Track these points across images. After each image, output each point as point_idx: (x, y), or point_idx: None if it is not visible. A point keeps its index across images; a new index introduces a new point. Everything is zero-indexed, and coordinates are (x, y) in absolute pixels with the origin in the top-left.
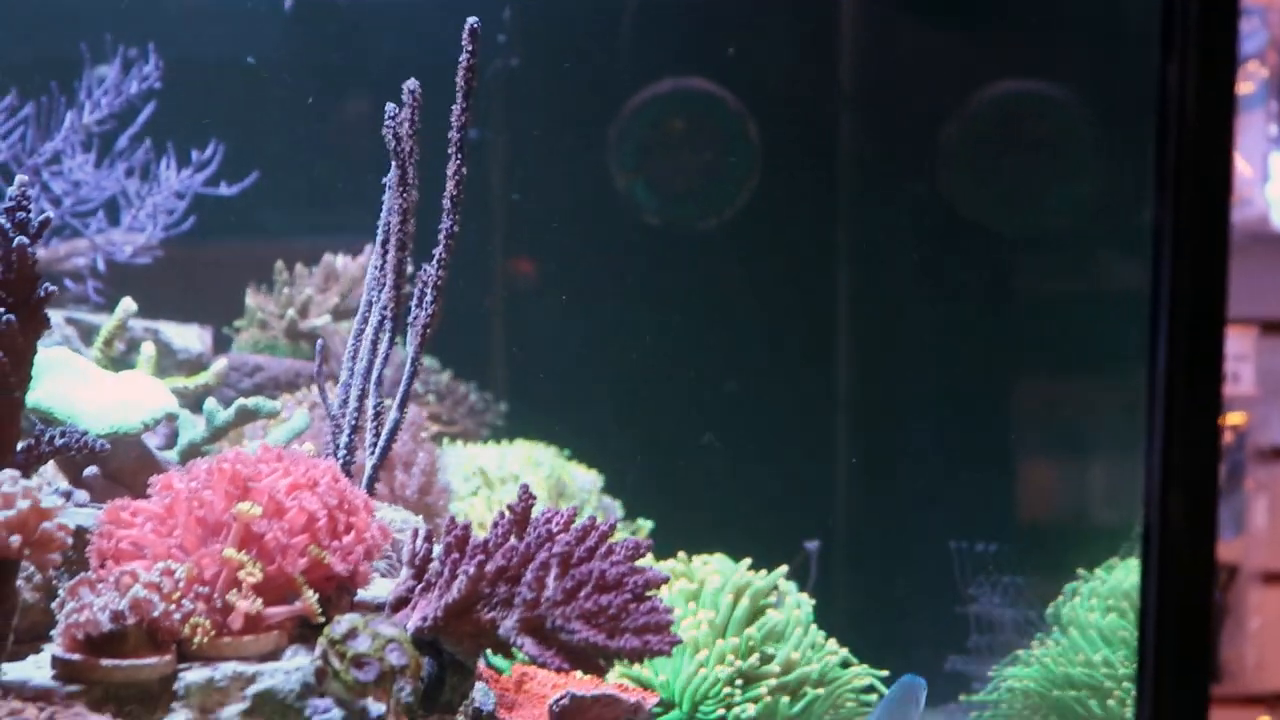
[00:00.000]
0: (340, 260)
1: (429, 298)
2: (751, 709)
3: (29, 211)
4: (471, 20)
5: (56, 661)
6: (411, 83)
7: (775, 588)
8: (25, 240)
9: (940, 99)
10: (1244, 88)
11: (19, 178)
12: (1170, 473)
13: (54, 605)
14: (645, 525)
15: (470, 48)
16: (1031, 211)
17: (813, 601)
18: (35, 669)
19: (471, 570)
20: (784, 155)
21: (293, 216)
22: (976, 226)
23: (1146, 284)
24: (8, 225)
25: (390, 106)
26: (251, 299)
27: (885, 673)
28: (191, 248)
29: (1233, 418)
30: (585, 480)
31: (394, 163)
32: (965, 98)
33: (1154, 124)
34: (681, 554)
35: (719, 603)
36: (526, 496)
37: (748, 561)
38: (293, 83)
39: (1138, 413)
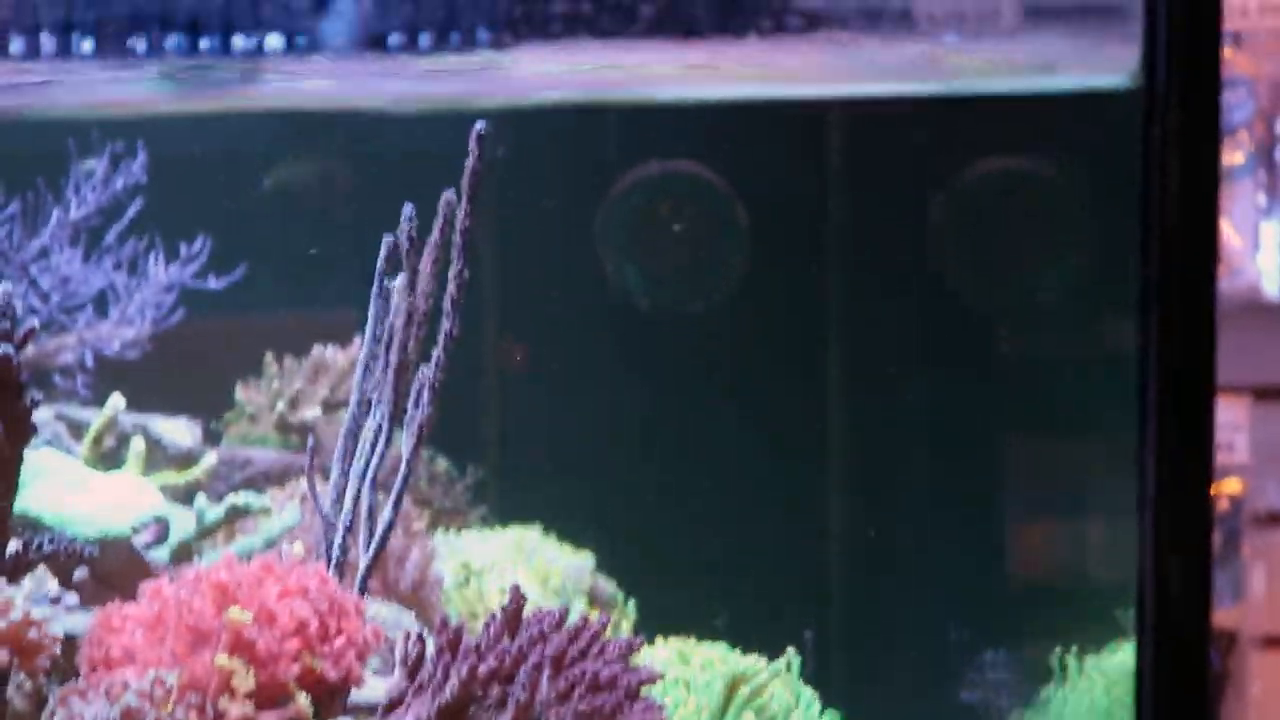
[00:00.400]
0: (329, 352)
1: (425, 398)
2: None
3: (13, 319)
4: (479, 125)
5: None
6: (449, 193)
7: (774, 677)
8: (10, 349)
9: (929, 178)
10: (1233, 158)
11: (2, 287)
12: (1163, 542)
13: (44, 715)
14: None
15: (477, 151)
16: (1023, 285)
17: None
18: None
19: (464, 672)
20: (773, 237)
21: (280, 299)
22: (968, 303)
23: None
24: None
25: (408, 208)
26: (241, 392)
27: None
28: (180, 341)
29: (1228, 485)
30: (576, 564)
31: (407, 267)
32: (954, 177)
33: (1137, 193)
34: (674, 642)
35: (713, 689)
36: (518, 597)
37: (735, 653)
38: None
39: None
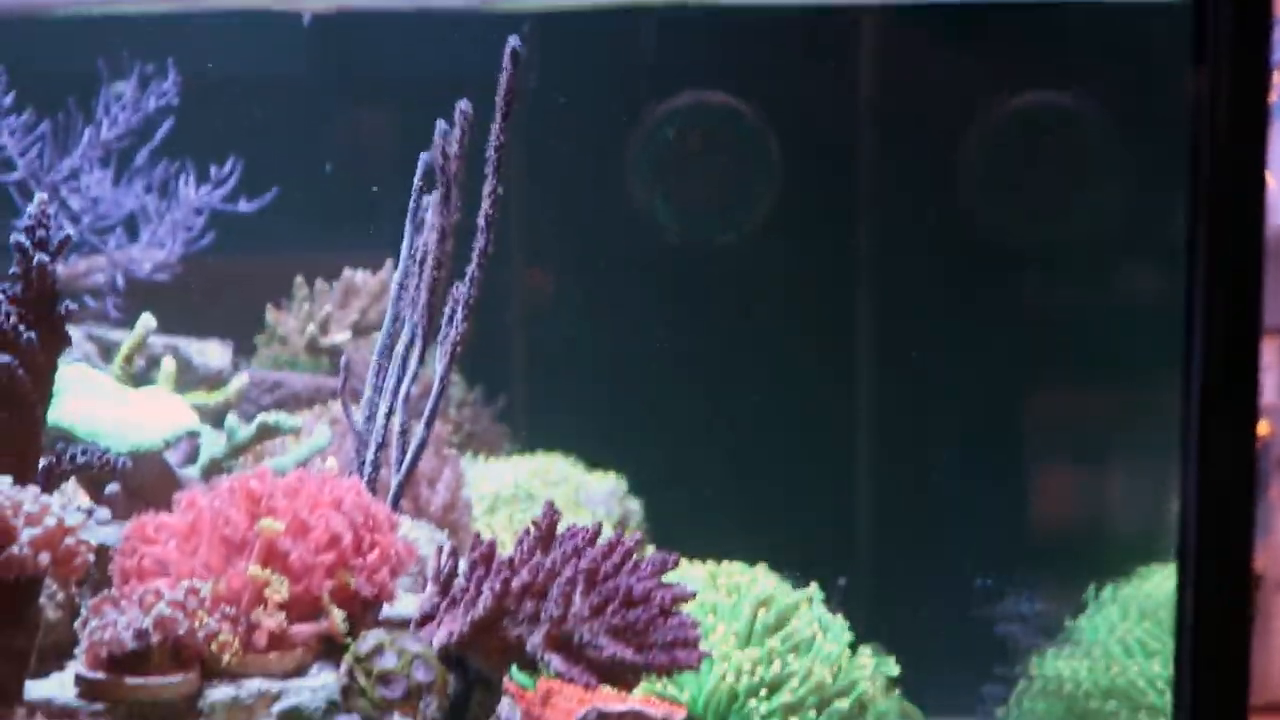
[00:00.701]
0: (360, 276)
1: (460, 316)
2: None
3: (49, 229)
4: (513, 41)
5: (80, 680)
6: (464, 103)
7: (803, 602)
8: (45, 258)
9: (962, 112)
10: (1270, 97)
11: (38, 195)
12: (1207, 484)
13: (77, 624)
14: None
15: (510, 69)
16: (1054, 225)
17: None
18: (59, 687)
19: (498, 586)
20: (804, 169)
21: (312, 232)
22: (999, 240)
23: (1169, 296)
24: (28, 243)
25: (441, 124)
26: (271, 315)
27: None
28: (211, 263)
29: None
30: (606, 488)
31: (439, 181)
32: (987, 111)
33: (1185, 135)
34: (710, 563)
35: (740, 613)
36: (551, 512)
37: (764, 572)
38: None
39: (1163, 425)
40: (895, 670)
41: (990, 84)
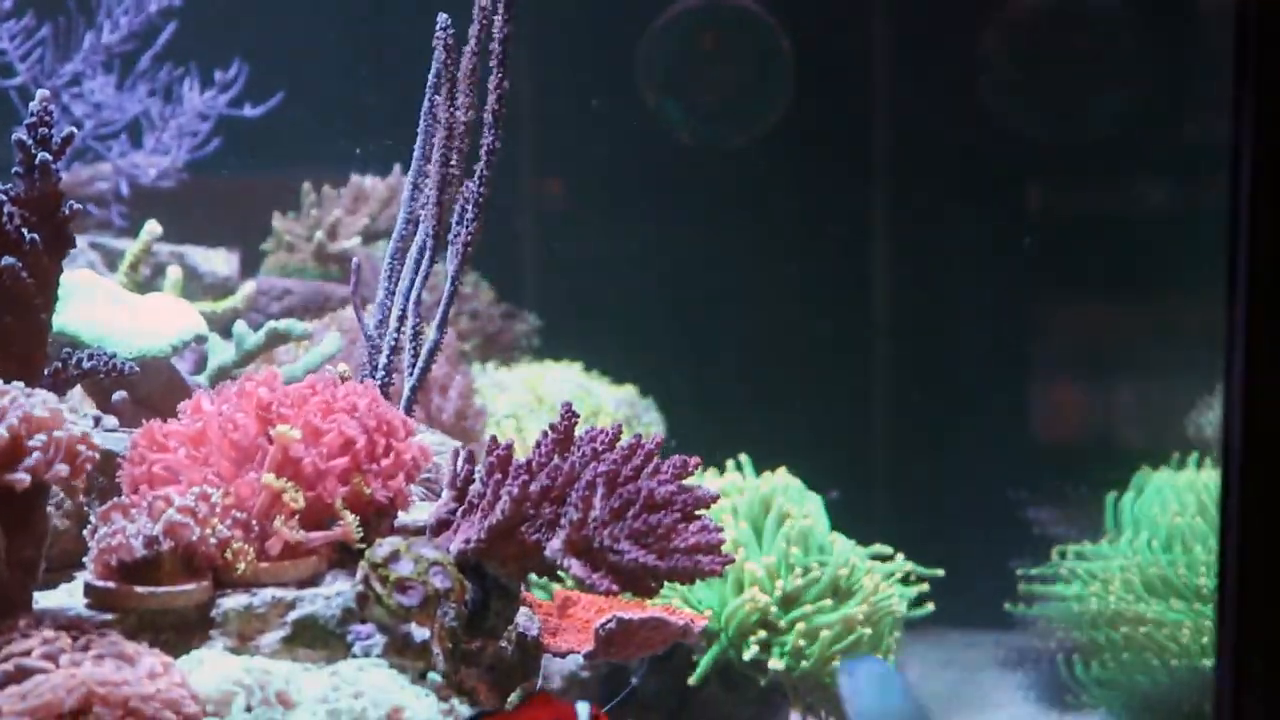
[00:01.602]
0: (369, 181)
1: (470, 215)
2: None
3: (51, 127)
4: None
5: (89, 589)
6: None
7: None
8: (48, 156)
9: (979, 7)
10: None
11: (40, 93)
12: (1255, 384)
13: (86, 532)
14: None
15: None
16: (1075, 123)
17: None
18: (68, 597)
19: (515, 490)
20: (819, 69)
21: (319, 140)
22: (1022, 142)
23: (1190, 200)
24: (30, 141)
25: (443, 17)
26: (279, 222)
27: (939, 571)
28: (217, 172)
29: None
30: (623, 395)
31: (444, 77)
32: (1004, 7)
33: (1232, 41)
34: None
35: (751, 511)
36: (569, 415)
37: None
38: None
39: (1182, 329)
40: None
41: None
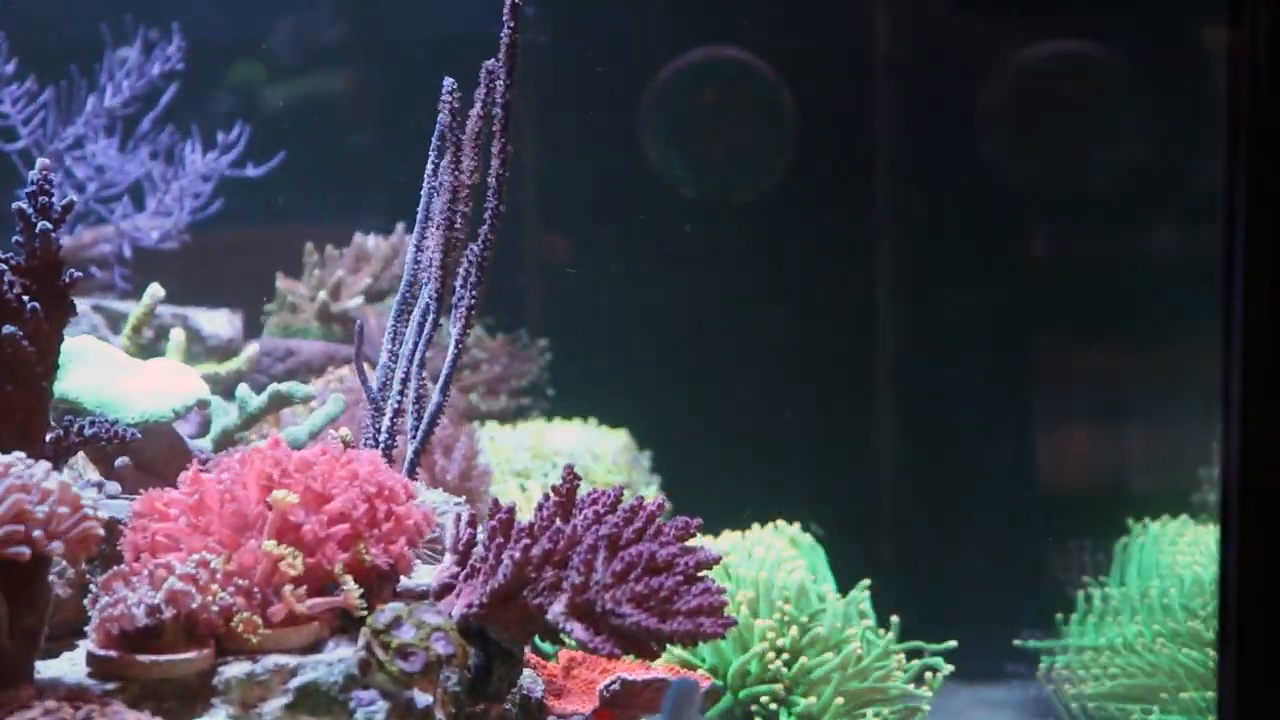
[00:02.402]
0: (371, 240)
1: (474, 279)
2: (802, 702)
3: (51, 195)
4: None
5: (92, 658)
6: (490, 63)
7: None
8: (48, 225)
9: (980, 63)
10: None
11: (40, 161)
12: (1251, 433)
13: (87, 601)
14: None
15: (512, 24)
16: (1075, 175)
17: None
18: (70, 666)
19: (517, 554)
20: (821, 124)
21: (319, 199)
22: (1023, 192)
23: (1191, 247)
24: (30, 210)
25: (449, 81)
26: (282, 282)
27: (953, 644)
28: (218, 232)
29: None
30: (622, 455)
31: (449, 140)
32: (1005, 60)
33: (1224, 87)
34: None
35: (757, 582)
36: (571, 477)
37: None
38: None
39: (1183, 378)
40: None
41: (1012, 33)
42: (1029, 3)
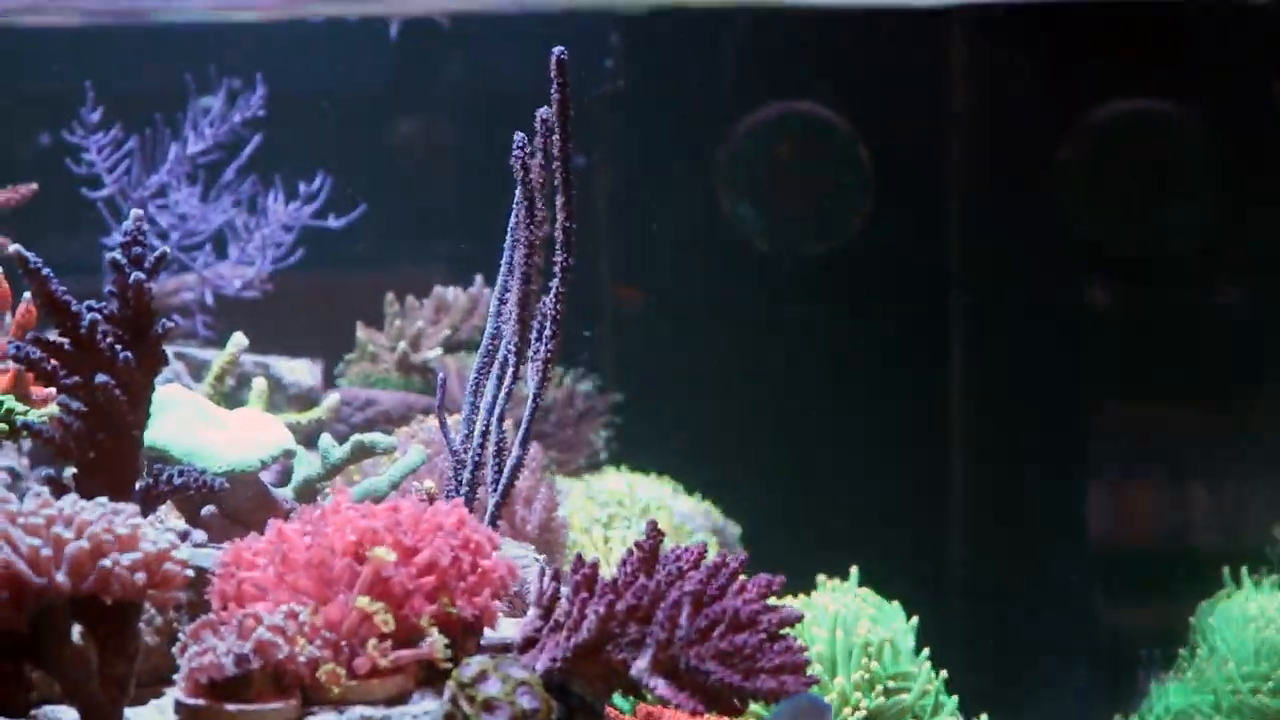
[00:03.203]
0: (451, 292)
1: (548, 331)
2: None
3: (145, 246)
4: (557, 51)
5: (180, 706)
6: (544, 111)
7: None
8: (142, 276)
9: (1055, 120)
10: None
11: (134, 212)
12: None
13: (175, 649)
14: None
15: (560, 79)
16: (1156, 233)
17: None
18: (158, 714)
19: (601, 609)
20: (897, 179)
21: (400, 247)
22: (1099, 248)
23: (1266, 305)
24: (124, 260)
25: (519, 136)
26: (362, 332)
27: None
28: (301, 280)
29: None
30: (702, 509)
31: (521, 194)
32: (1081, 118)
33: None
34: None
35: (835, 641)
36: (655, 533)
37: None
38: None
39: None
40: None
41: (1086, 88)
42: (1105, 61)
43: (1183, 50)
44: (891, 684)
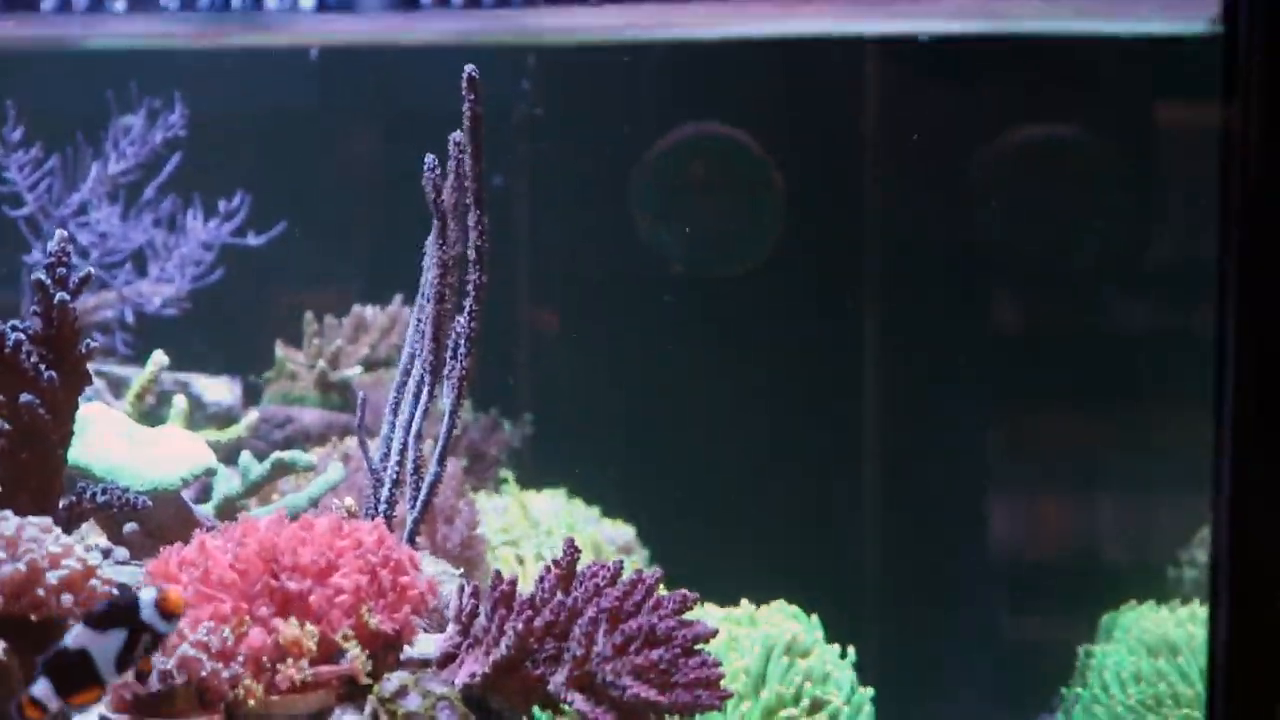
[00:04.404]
0: (370, 311)
1: (463, 350)
2: None
3: (69, 267)
4: (469, 69)
5: None
6: (456, 135)
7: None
8: (66, 296)
9: (965, 143)
10: None
11: (59, 233)
12: (1244, 504)
13: None
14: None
15: (472, 96)
16: (1067, 254)
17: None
18: None
19: (520, 626)
20: (809, 200)
21: (319, 266)
22: (1009, 268)
23: (1168, 320)
24: (48, 281)
25: (430, 158)
26: (281, 350)
27: None
28: (219, 299)
29: None
30: (617, 531)
31: (434, 216)
32: (991, 140)
33: (1216, 167)
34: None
35: (753, 653)
36: (571, 551)
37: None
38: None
39: (1160, 446)
40: None
41: (999, 115)
42: (1012, 85)
43: (1078, 78)
44: (820, 694)
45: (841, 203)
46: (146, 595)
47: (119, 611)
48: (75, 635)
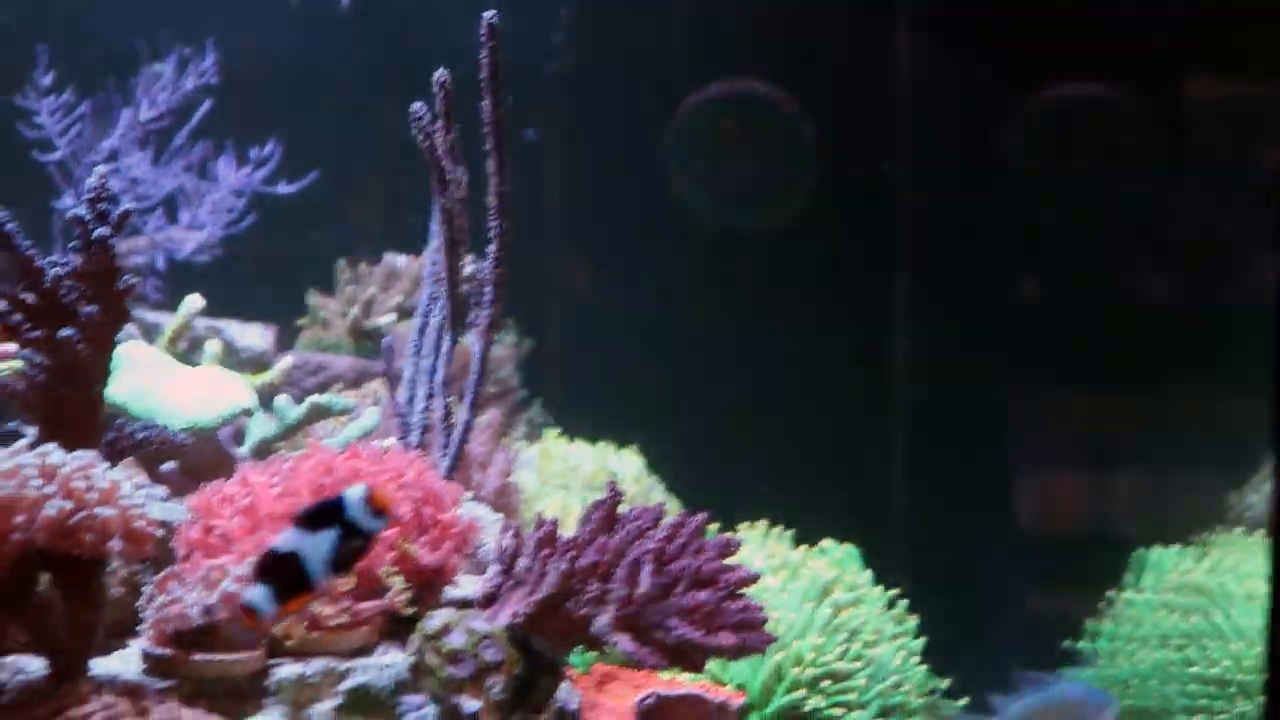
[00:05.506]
0: (402, 260)
1: (489, 297)
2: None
3: (109, 203)
4: (488, 15)
5: (147, 656)
6: (440, 73)
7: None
8: (106, 231)
9: (1001, 102)
10: None
11: (98, 169)
12: None
13: (141, 600)
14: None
15: (491, 43)
16: (1103, 217)
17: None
18: (123, 664)
19: (564, 566)
20: (842, 157)
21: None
22: (1041, 231)
23: (1206, 291)
24: (88, 216)
25: (417, 106)
26: (314, 298)
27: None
28: (252, 245)
29: None
30: (646, 479)
31: (429, 164)
32: (1026, 101)
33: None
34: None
35: (800, 604)
36: (614, 493)
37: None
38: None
39: (1201, 421)
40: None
41: (1029, 73)
42: (1048, 44)
43: (1122, 36)
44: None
45: (873, 158)
46: (354, 493)
47: (328, 510)
48: (285, 538)
